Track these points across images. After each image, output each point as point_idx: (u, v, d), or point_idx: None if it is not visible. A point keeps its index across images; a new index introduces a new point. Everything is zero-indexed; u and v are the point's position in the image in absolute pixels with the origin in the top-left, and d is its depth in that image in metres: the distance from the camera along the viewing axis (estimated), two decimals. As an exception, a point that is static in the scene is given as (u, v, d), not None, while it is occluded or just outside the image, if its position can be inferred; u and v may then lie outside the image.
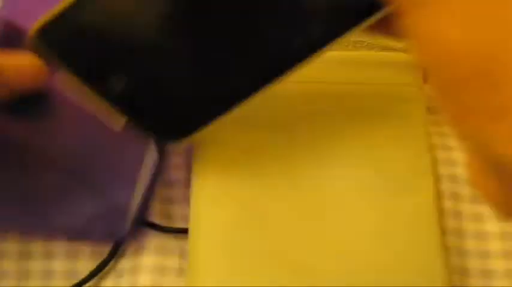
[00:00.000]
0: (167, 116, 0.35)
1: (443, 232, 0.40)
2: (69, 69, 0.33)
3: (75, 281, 0.41)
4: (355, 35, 0.44)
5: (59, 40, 0.33)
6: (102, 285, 0.41)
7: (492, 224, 0.41)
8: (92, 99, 0.34)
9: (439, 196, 0.41)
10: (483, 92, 0.24)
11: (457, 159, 0.43)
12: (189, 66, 0.34)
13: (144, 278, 0.40)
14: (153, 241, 0.41)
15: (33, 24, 0.32)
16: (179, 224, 0.42)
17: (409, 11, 0.26)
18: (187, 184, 0.43)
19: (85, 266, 0.41)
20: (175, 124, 0.36)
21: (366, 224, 0.39)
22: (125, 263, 0.41)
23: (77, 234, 0.41)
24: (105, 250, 0.41)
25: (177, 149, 0.41)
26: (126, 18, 0.33)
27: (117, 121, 0.35)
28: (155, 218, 0.42)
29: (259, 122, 0.41)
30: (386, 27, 0.34)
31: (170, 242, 0.41)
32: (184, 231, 0.41)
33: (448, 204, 0.42)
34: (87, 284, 0.41)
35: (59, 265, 0.41)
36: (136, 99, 0.35)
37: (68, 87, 0.34)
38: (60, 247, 0.41)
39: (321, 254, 0.38)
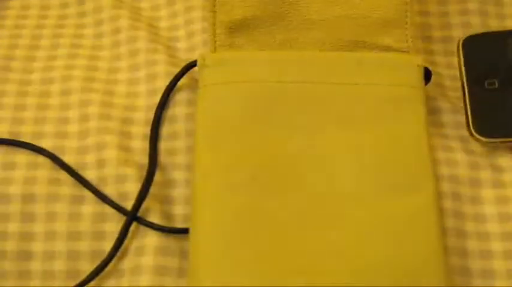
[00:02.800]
0: None
1: (443, 232, 0.40)
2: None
3: (76, 281, 0.41)
4: (356, 35, 0.44)
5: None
6: (103, 285, 0.41)
7: (493, 225, 0.41)
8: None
9: (439, 196, 0.41)
10: None
11: (458, 159, 0.43)
12: None
13: (145, 279, 0.40)
14: (154, 241, 0.41)
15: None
16: (179, 224, 0.42)
17: None
18: (187, 183, 0.43)
19: (85, 266, 0.41)
20: None
21: (365, 224, 0.38)
22: (125, 264, 0.41)
23: None
24: (106, 250, 0.41)
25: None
26: None
27: None
28: (155, 218, 0.42)
29: (259, 122, 0.41)
30: None
31: (171, 242, 0.41)
32: (184, 231, 0.41)
33: (449, 204, 0.42)
34: (88, 285, 0.41)
35: (59, 265, 0.41)
36: None
37: None
38: (60, 247, 0.41)
39: (321, 255, 0.38)
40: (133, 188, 0.43)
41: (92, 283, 0.41)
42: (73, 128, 0.45)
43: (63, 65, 0.48)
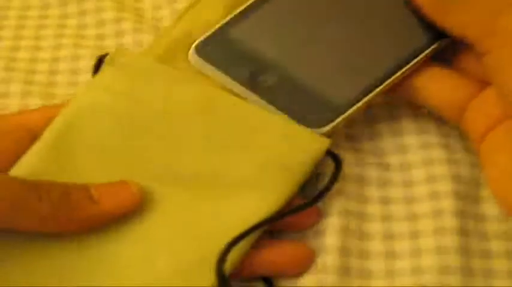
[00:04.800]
0: (309, 105, 0.40)
1: None
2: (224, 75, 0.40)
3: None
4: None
5: (214, 53, 0.40)
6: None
7: (494, 224, 0.41)
8: (248, 97, 0.40)
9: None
10: None
11: (459, 158, 0.43)
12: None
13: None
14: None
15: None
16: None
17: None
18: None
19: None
20: (318, 112, 0.40)
21: None
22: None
23: None
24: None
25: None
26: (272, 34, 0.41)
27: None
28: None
29: (126, 141, 0.40)
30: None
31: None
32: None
33: (450, 204, 0.41)
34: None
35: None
36: (283, 92, 0.40)
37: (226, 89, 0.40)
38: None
39: None
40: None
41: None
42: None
43: (68, 68, 0.49)
